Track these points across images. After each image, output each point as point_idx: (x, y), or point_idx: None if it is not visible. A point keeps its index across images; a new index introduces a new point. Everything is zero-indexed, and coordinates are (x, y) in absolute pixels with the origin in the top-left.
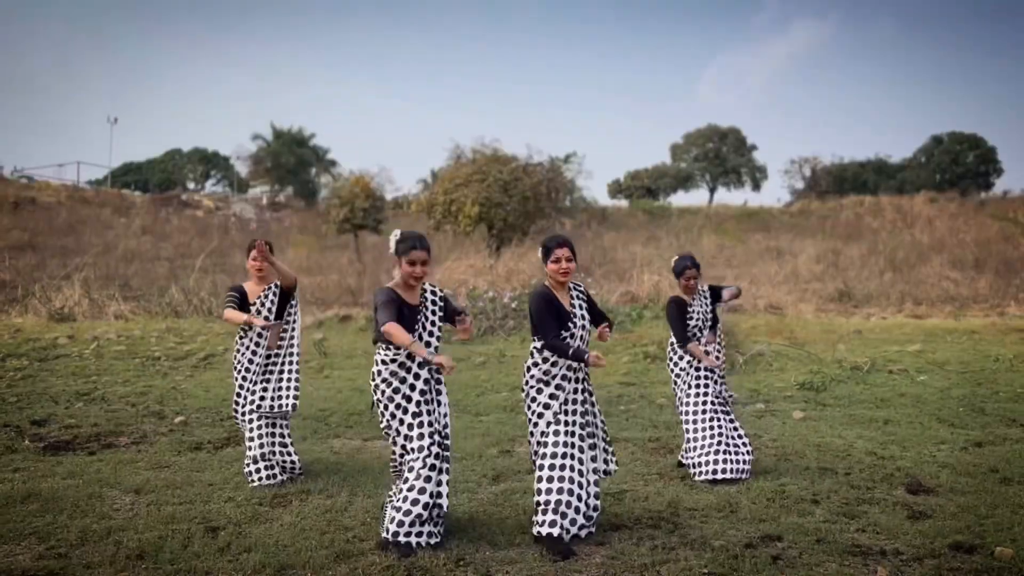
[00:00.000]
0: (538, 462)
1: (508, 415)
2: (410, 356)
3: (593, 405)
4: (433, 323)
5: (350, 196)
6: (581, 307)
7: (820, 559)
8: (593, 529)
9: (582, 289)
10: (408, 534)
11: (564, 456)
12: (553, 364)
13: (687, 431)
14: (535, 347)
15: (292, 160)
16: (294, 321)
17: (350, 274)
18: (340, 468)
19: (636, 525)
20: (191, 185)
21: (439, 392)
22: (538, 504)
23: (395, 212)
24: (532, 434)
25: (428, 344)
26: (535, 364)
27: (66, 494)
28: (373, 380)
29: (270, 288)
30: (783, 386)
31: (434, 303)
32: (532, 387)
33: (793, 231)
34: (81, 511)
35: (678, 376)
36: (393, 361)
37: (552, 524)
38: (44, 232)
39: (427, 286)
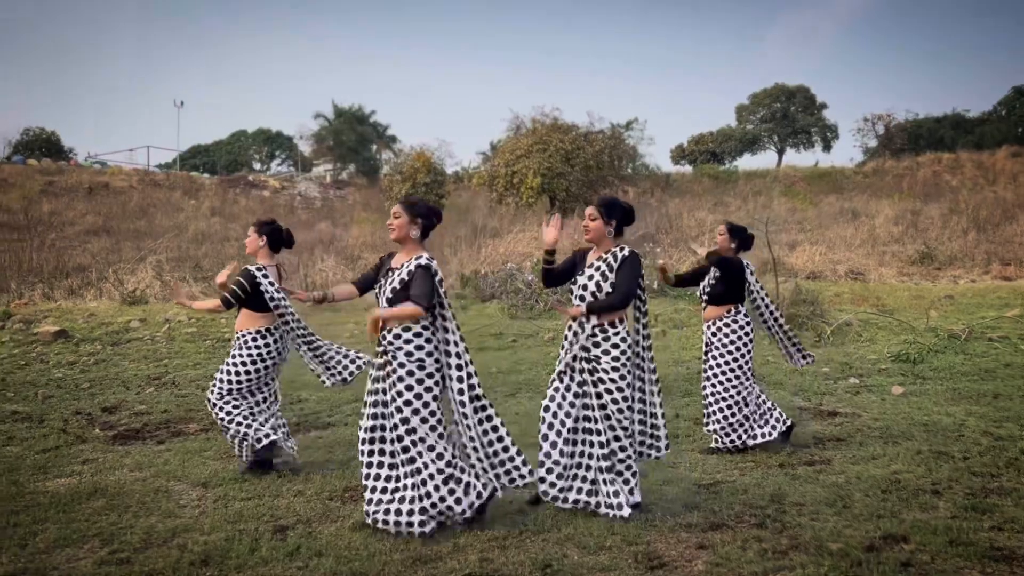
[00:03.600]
0: None
1: None
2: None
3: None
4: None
5: (411, 171)
6: (599, 271)
7: (957, 565)
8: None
9: (617, 256)
10: None
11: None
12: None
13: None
14: None
15: (353, 138)
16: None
17: None
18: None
19: (738, 524)
20: (257, 166)
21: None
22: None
23: (456, 186)
24: None
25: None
26: None
27: (132, 489)
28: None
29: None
30: (876, 358)
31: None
32: None
33: (868, 191)
34: (147, 509)
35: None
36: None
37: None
38: (118, 216)
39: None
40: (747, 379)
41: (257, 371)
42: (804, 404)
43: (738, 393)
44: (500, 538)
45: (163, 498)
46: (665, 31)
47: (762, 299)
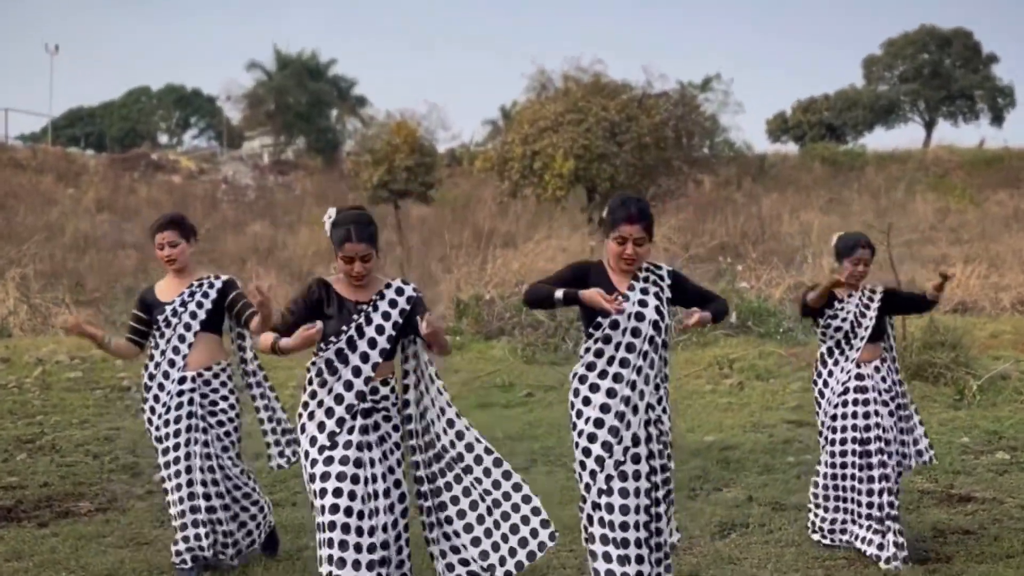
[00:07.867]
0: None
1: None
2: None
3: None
4: (382, 328)
5: (388, 150)
6: (647, 293)
7: None
8: None
9: (665, 273)
10: None
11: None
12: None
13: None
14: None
15: (304, 99)
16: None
17: (390, 261)
18: None
19: None
20: (164, 139)
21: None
22: None
23: (452, 171)
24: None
25: (367, 358)
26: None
27: None
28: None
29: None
30: None
31: (394, 304)
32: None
33: None
34: None
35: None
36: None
37: None
38: None
39: (395, 282)
40: None
41: None
42: (929, 486)
43: None
44: None
45: None
46: None
47: None
